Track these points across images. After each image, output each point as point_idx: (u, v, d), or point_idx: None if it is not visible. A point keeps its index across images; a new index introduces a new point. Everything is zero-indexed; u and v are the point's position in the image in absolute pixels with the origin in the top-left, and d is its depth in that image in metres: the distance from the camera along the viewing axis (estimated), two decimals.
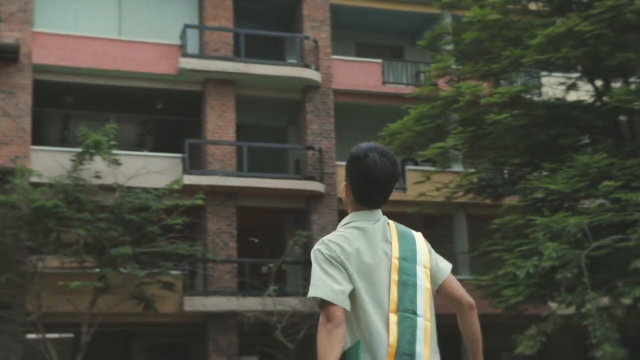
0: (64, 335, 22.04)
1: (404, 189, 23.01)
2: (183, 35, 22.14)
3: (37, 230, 18.78)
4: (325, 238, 3.09)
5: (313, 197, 22.09)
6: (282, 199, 22.10)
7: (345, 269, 2.99)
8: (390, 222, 3.22)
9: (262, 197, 21.79)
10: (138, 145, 23.92)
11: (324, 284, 2.95)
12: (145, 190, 19.36)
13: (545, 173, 17.88)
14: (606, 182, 15.68)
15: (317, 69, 22.96)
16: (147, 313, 19.55)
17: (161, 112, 23.45)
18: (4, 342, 19.22)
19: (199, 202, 19.63)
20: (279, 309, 19.69)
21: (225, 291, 20.79)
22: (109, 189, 19.25)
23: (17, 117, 20.68)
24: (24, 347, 19.46)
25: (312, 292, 2.96)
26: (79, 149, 19.32)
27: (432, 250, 3.26)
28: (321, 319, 2.91)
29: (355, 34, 25.67)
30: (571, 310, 15.89)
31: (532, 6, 20.33)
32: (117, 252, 18.24)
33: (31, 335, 19.35)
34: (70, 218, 18.50)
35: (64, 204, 18.49)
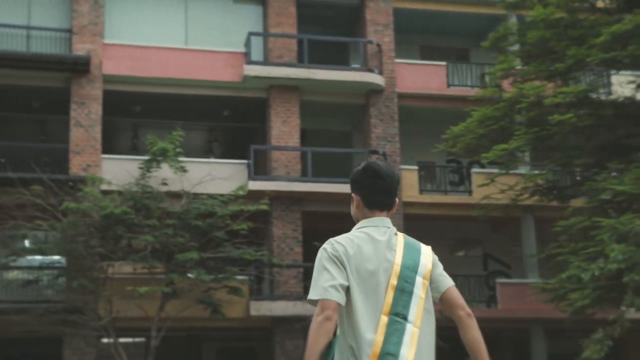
0: (136, 339, 22.53)
1: (470, 192, 22.83)
2: (247, 43, 22.42)
3: (107, 237, 19.25)
4: (333, 239, 3.36)
5: None
6: (347, 203, 22.04)
7: (344, 268, 3.25)
8: (400, 233, 3.46)
9: (327, 202, 21.88)
10: (205, 152, 24.32)
11: (320, 283, 3.23)
12: (211, 196, 19.67)
13: (612, 174, 17.50)
14: None
15: (380, 73, 22.97)
16: (214, 318, 19.85)
17: (227, 119, 23.79)
18: (77, 346, 19.79)
19: (264, 207, 19.86)
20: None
21: (291, 296, 20.96)
22: (175, 195, 19.62)
23: (88, 127, 21.28)
24: (97, 351, 19.99)
25: (310, 295, 3.26)
26: (146, 157, 19.76)
27: (439, 264, 3.47)
28: (316, 311, 3.19)
29: (419, 37, 25.56)
30: None
31: (600, 4, 19.94)
32: (184, 258, 18.57)
33: (105, 340, 19.85)
34: (139, 225, 18.92)
35: (133, 211, 18.93)
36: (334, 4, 23.96)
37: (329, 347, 3.15)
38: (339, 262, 3.26)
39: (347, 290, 3.23)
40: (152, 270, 19.20)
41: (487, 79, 22.85)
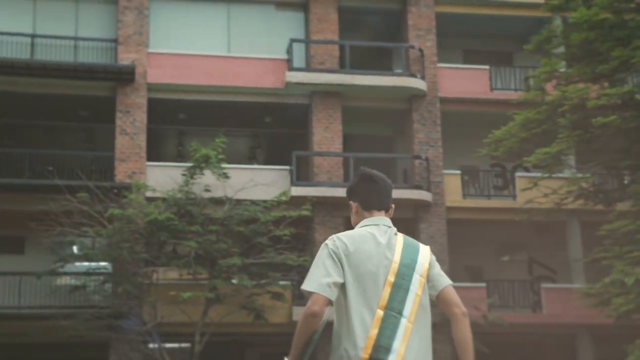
0: (182, 344, 22.75)
1: (514, 197, 22.61)
2: (289, 50, 22.55)
3: (152, 243, 19.50)
4: (336, 235, 3.60)
5: (420, 206, 22.01)
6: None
7: (342, 264, 3.45)
8: (400, 234, 3.65)
9: None
10: (249, 158, 24.49)
11: (315, 277, 3.44)
12: (254, 202, 19.80)
13: None
14: None
15: (422, 77, 22.90)
16: (257, 323, 19.94)
17: (270, 126, 23.95)
18: (123, 351, 20.08)
19: (306, 213, 19.93)
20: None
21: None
22: (218, 202, 19.80)
23: (133, 135, 21.61)
24: (143, 356, 20.24)
25: (304, 285, 3.46)
26: (189, 164, 19.98)
27: (436, 264, 3.64)
28: (308, 302, 3.40)
29: (463, 40, 25.43)
30: None
31: None
32: (227, 264, 18.72)
33: (151, 345, 20.09)
34: (182, 231, 19.13)
35: (176, 217, 19.15)
36: (375, 10, 23.97)
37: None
38: (337, 258, 3.46)
39: (343, 285, 3.43)
40: (196, 276, 19.38)
41: (530, 82, 22.63)
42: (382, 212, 3.68)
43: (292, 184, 21.32)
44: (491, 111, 23.02)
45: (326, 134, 22.32)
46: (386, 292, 3.42)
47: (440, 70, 23.41)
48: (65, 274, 20.97)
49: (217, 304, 19.20)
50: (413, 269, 3.49)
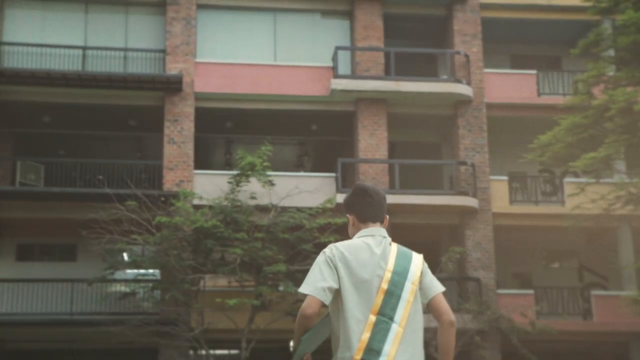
0: (231, 351, 22.95)
1: (563, 202, 22.33)
2: (335, 57, 22.65)
3: (199, 250, 19.74)
4: (334, 244, 3.82)
5: (467, 213, 21.88)
6: (436, 215, 22.03)
7: (337, 271, 3.68)
8: (394, 243, 3.89)
9: (416, 214, 21.81)
10: (296, 166, 24.64)
11: (311, 281, 3.67)
12: (299, 209, 19.91)
13: None
14: None
15: (468, 83, 22.79)
16: None
17: (315, 133, 24.05)
18: (171, 357, 20.33)
19: None
20: (433, 325, 19.58)
21: None
22: (264, 209, 19.96)
23: (181, 144, 21.93)
24: None
25: (301, 288, 3.70)
26: (235, 172, 20.19)
27: (428, 272, 3.86)
28: (303, 304, 3.66)
29: (510, 45, 25.24)
30: None
31: None
32: (272, 270, 18.85)
33: (201, 351, 20.30)
34: (228, 238, 19.33)
35: (222, 224, 19.35)
36: (420, 16, 23.94)
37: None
38: (333, 265, 3.69)
39: (338, 291, 3.67)
40: (242, 283, 19.55)
41: (578, 86, 22.35)
42: (377, 224, 3.91)
43: (338, 191, 21.38)
44: (539, 116, 22.77)
45: (371, 141, 22.35)
46: (379, 298, 3.64)
47: (486, 76, 23.27)
48: (115, 280, 21.36)
49: (263, 311, 19.34)
50: (405, 277, 3.71)
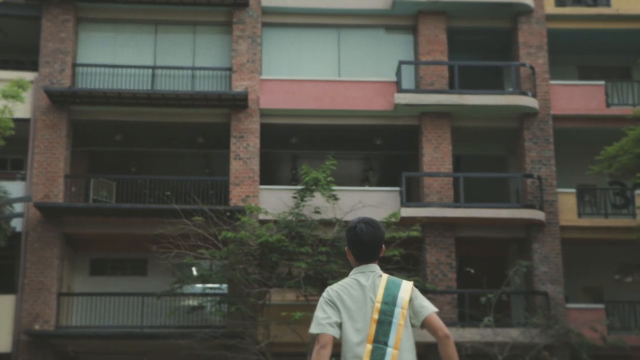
0: None
1: (634, 215, 21.87)
2: (398, 72, 22.73)
3: (264, 265, 19.99)
4: (330, 287, 4.36)
5: (533, 226, 21.62)
6: (502, 228, 21.83)
7: (338, 309, 4.23)
8: (384, 275, 4.34)
9: (481, 227, 21.66)
10: (361, 180, 24.75)
11: (318, 321, 4.20)
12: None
13: None
14: None
15: (534, 95, 22.57)
16: None
17: (380, 148, 24.13)
18: None
19: (415, 233, 19.94)
20: (499, 340, 19.43)
21: (445, 322, 20.80)
22: (328, 223, 20.11)
23: (247, 160, 22.28)
24: None
25: (310, 329, 4.23)
26: (300, 187, 20.42)
27: (418, 296, 4.32)
28: (315, 342, 4.17)
29: (577, 56, 24.91)
30: None
31: None
32: None
33: None
34: (293, 252, 19.54)
35: (287, 238, 19.57)
36: (485, 29, 23.84)
37: None
38: (333, 304, 4.22)
39: (340, 325, 4.19)
40: (308, 296, 19.70)
41: None
42: (370, 262, 4.36)
43: (402, 205, 21.40)
44: (607, 128, 22.38)
45: (436, 155, 22.31)
46: (372, 328, 4.15)
47: (553, 87, 23.00)
48: (183, 294, 21.78)
49: None
50: (394, 304, 4.20)
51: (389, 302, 4.20)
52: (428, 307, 4.28)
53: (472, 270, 19.42)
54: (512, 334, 19.68)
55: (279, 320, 19.56)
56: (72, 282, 22.88)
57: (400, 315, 4.17)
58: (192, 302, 21.86)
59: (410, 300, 4.25)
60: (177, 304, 22.10)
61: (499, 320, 19.77)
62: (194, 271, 22.05)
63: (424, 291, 20.77)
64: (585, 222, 22.06)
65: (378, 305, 4.18)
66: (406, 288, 4.27)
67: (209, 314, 21.66)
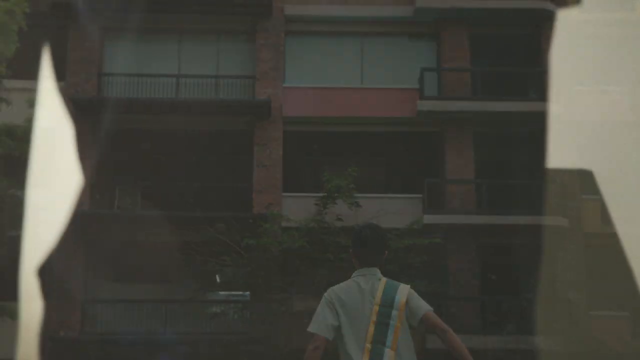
0: None
1: None
2: (421, 79, 22.73)
3: (286, 271, 20.06)
4: (331, 288, 4.71)
5: (557, 233, 21.47)
6: (525, 234, 21.70)
7: (336, 310, 4.53)
8: (383, 278, 4.72)
9: (504, 234, 21.56)
10: (384, 187, 24.73)
11: (316, 320, 4.50)
12: (386, 230, 19.95)
13: None
14: None
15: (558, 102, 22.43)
16: None
17: (403, 154, 24.12)
18: None
19: (437, 240, 19.91)
20: (522, 347, 19.32)
21: (469, 329, 20.72)
22: (350, 230, 20.03)
23: (270, 167, 22.39)
24: None
25: (309, 327, 4.53)
26: (322, 194, 20.47)
27: (414, 297, 4.66)
28: (311, 341, 4.45)
29: None
30: None
31: None
32: None
33: None
34: (315, 259, 19.59)
35: (309, 245, 19.64)
36: (508, 35, 23.78)
37: None
38: (332, 306, 4.55)
39: (339, 327, 4.47)
40: None
41: None
42: (372, 266, 4.74)
43: (424, 211, 21.38)
44: None
45: (459, 161, 22.28)
46: (371, 329, 4.43)
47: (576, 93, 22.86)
48: (206, 301, 21.89)
49: None
50: (392, 306, 4.51)
51: (387, 304, 4.46)
52: (423, 307, 4.56)
53: (494, 277, 19.35)
54: (534, 341, 19.55)
55: (301, 327, 19.55)
56: (96, 289, 23.08)
57: (397, 317, 4.45)
58: (216, 309, 21.96)
59: (407, 302, 4.51)
60: (201, 310, 22.21)
61: (521, 328, 19.67)
62: (218, 278, 22.17)
63: (446, 298, 20.78)
64: (610, 228, 21.85)
65: (377, 307, 4.45)
66: (403, 291, 4.59)
67: (231, 321, 21.75)
